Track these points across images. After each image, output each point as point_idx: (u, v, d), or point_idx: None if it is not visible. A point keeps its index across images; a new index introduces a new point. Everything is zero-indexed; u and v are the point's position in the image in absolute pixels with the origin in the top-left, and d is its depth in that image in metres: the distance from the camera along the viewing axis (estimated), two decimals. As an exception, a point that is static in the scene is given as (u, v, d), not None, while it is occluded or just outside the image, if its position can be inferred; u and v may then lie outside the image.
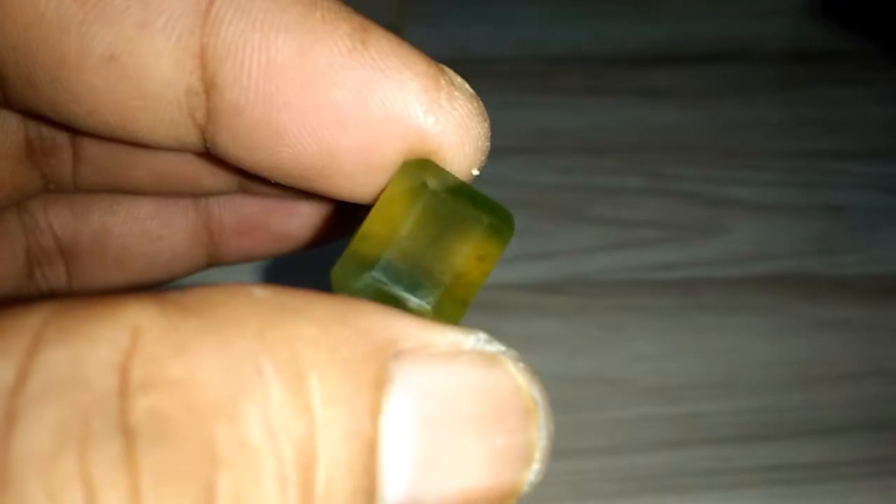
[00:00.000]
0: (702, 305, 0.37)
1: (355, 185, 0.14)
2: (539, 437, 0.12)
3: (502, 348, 0.12)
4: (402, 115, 0.13)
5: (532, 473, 0.12)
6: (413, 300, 0.13)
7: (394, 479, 0.11)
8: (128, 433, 0.09)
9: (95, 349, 0.10)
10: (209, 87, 0.13)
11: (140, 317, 0.10)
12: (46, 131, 0.16)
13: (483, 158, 0.14)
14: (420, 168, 0.13)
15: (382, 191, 0.13)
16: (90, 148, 0.16)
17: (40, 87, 0.13)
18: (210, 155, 0.14)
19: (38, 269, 0.17)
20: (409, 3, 0.48)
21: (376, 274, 0.13)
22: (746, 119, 0.45)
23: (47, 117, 0.14)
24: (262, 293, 0.11)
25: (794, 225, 0.41)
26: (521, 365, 0.12)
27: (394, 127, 0.13)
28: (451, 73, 0.13)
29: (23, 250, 0.17)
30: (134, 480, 0.09)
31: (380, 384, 0.11)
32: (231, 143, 0.14)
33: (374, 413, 0.11)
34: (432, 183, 0.13)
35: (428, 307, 0.13)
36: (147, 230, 0.17)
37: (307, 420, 0.10)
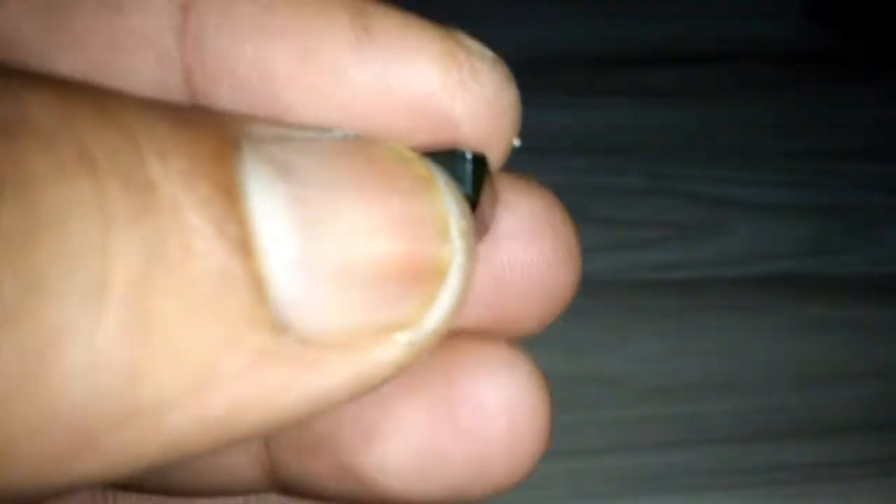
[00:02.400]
0: (702, 305, 0.37)
1: None
2: (449, 208, 0.10)
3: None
4: (428, 105, 0.11)
5: (456, 251, 0.10)
6: None
7: (271, 239, 0.09)
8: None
9: None
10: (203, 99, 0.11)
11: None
12: None
13: (519, 125, 0.12)
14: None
15: None
16: None
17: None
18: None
19: None
20: (409, 3, 0.48)
21: None
22: (746, 119, 0.45)
23: None
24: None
25: (794, 225, 0.41)
26: (403, 146, 0.10)
27: (421, 123, 0.11)
28: (466, 40, 0.12)
29: None
30: None
31: (228, 143, 0.09)
32: None
33: (225, 162, 0.09)
34: None
35: None
36: None
37: (129, 143, 0.08)
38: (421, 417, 0.12)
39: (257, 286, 0.09)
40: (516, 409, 0.13)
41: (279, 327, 0.09)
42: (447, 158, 0.11)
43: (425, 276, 0.09)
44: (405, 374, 0.10)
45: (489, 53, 0.12)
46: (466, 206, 0.10)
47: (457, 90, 0.11)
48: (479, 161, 0.12)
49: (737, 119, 0.45)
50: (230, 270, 0.08)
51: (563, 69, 0.46)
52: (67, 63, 0.11)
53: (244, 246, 0.09)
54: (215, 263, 0.08)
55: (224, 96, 0.11)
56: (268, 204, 0.09)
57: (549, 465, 0.34)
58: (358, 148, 0.10)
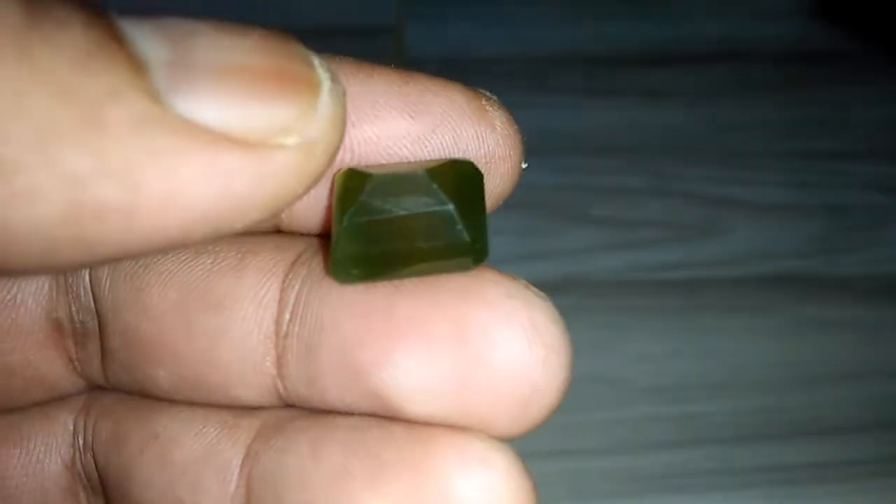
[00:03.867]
0: (702, 305, 0.37)
1: None
2: (308, 53, 0.11)
3: None
4: (458, 120, 0.13)
5: (322, 74, 0.11)
6: (349, 214, 0.13)
7: (139, 35, 0.10)
8: None
9: None
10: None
11: None
12: (77, 316, 0.15)
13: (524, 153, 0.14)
14: (460, 170, 0.13)
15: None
16: (114, 338, 0.15)
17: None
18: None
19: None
20: (409, 3, 0.48)
21: (376, 177, 0.13)
22: (746, 119, 0.45)
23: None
24: None
25: (794, 225, 0.41)
26: None
27: (455, 133, 0.13)
28: (480, 90, 0.14)
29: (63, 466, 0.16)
30: None
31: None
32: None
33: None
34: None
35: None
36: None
37: None
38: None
39: (133, 62, 0.09)
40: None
41: (160, 96, 0.10)
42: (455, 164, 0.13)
43: (297, 86, 0.10)
44: (309, 188, 0.11)
45: (495, 98, 0.14)
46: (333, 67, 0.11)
47: (480, 112, 0.14)
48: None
49: (737, 119, 0.45)
50: (105, 44, 0.09)
51: (563, 69, 0.46)
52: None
53: (117, 39, 0.09)
54: (84, 43, 0.09)
55: None
56: (140, 30, 0.10)
57: (548, 465, 0.33)
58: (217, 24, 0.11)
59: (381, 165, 0.13)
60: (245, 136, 0.10)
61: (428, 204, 0.13)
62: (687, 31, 0.49)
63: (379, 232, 0.13)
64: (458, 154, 0.14)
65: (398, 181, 0.13)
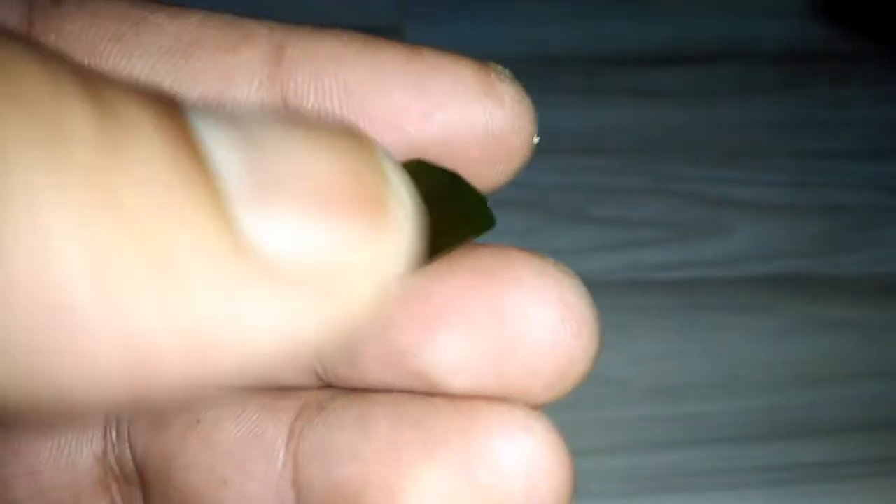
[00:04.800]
0: (702, 305, 0.37)
1: None
2: (385, 163, 0.10)
3: None
4: (466, 97, 0.14)
5: (394, 183, 0.10)
6: None
7: (217, 144, 0.09)
8: None
9: None
10: None
11: None
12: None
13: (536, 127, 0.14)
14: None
15: None
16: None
17: None
18: None
19: None
20: (409, 3, 0.48)
21: None
22: (746, 119, 0.45)
23: None
24: None
25: (794, 225, 0.41)
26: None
27: (463, 110, 0.14)
28: (490, 63, 0.14)
29: None
30: None
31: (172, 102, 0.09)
32: None
33: (170, 104, 0.09)
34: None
35: None
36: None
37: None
38: (439, 473, 0.13)
39: (213, 194, 0.09)
40: (534, 470, 0.13)
41: (242, 241, 0.09)
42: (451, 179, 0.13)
43: (374, 210, 0.10)
44: (375, 320, 0.10)
45: (508, 73, 0.14)
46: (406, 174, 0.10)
47: (489, 87, 0.14)
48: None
49: (737, 119, 0.45)
50: (176, 154, 0.08)
51: (563, 69, 0.46)
52: None
53: (187, 141, 0.09)
54: (160, 146, 0.08)
55: (311, 107, 0.13)
56: (214, 133, 0.09)
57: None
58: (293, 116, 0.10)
59: None
60: (317, 275, 0.09)
61: (439, 181, 0.13)
62: (687, 31, 0.49)
63: None
64: (466, 130, 0.14)
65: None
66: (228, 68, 0.14)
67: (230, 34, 0.14)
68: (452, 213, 0.13)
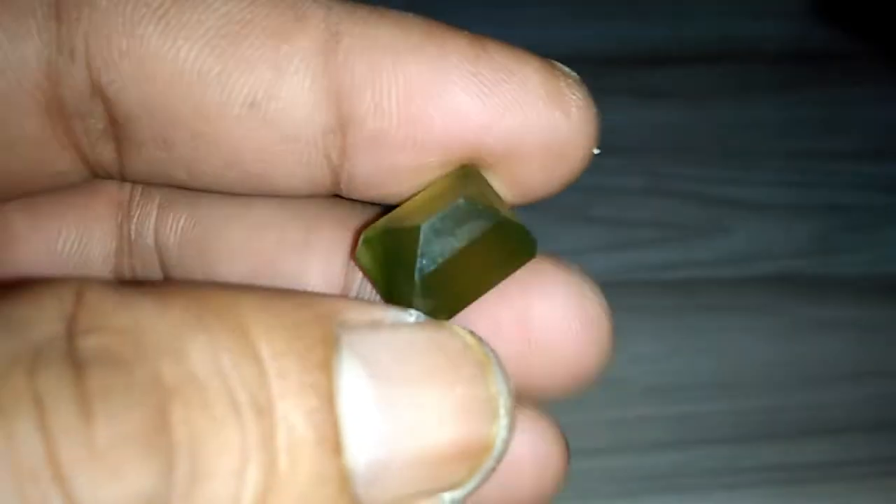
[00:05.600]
0: (702, 305, 0.37)
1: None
2: (500, 389, 0.12)
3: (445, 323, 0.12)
4: (532, 106, 0.13)
5: (501, 428, 0.12)
6: (419, 269, 0.12)
7: (359, 434, 0.11)
8: (76, 362, 0.09)
9: (41, 301, 0.10)
10: (346, 122, 0.13)
11: (82, 282, 0.10)
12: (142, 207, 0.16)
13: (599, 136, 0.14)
14: (467, 175, 0.13)
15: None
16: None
17: (178, 146, 0.13)
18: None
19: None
20: (410, 4, 0.48)
21: (425, 230, 0.12)
22: (746, 119, 0.45)
23: (173, 182, 0.14)
24: (199, 282, 0.11)
25: (794, 225, 0.41)
26: (467, 329, 0.12)
27: (526, 120, 0.13)
28: (558, 64, 0.14)
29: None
30: (84, 394, 0.09)
31: (328, 343, 0.11)
32: (371, 174, 0.14)
33: (327, 368, 0.11)
34: (473, 190, 0.13)
35: (421, 291, 0.13)
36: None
37: (257, 368, 0.10)
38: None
39: (344, 482, 0.11)
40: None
41: None
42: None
43: (477, 453, 0.12)
44: None
45: (575, 75, 0.14)
46: (511, 383, 0.12)
47: (556, 96, 0.14)
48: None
49: (737, 119, 0.45)
50: (326, 472, 0.11)
51: (563, 69, 0.46)
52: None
53: (337, 448, 0.11)
54: (316, 468, 0.10)
55: (365, 108, 0.13)
56: (357, 407, 0.11)
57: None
58: (431, 337, 0.12)
59: (388, 217, 0.13)
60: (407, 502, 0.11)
61: (482, 225, 0.13)
62: (687, 31, 0.49)
63: (448, 273, 0.13)
64: (529, 139, 0.13)
65: (444, 220, 0.13)
66: (281, 59, 0.13)
67: (285, 14, 0.13)
68: (499, 251, 0.13)
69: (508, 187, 0.14)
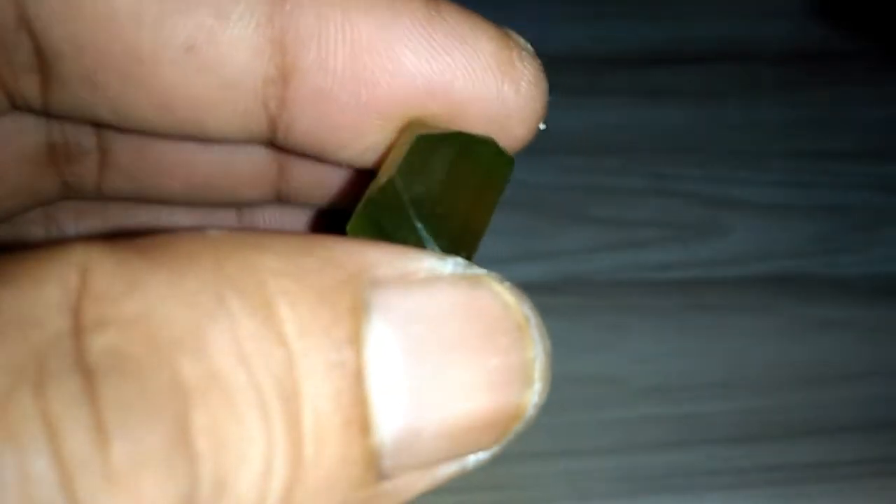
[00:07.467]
0: (702, 305, 0.37)
1: None
2: (535, 354, 0.11)
3: (483, 271, 0.11)
4: (481, 75, 0.13)
5: (534, 394, 0.11)
6: (415, 214, 0.12)
7: (387, 411, 0.10)
8: (86, 371, 0.09)
9: (43, 290, 0.09)
10: (289, 74, 0.13)
11: (86, 256, 0.09)
12: (72, 135, 0.15)
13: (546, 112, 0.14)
14: (413, 124, 0.13)
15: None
16: (122, 154, 0.15)
17: (107, 85, 0.13)
18: (250, 162, 0.14)
19: None
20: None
21: (398, 179, 0.12)
22: (747, 119, 0.45)
23: (99, 121, 0.14)
24: (216, 232, 0.10)
25: (794, 225, 0.41)
26: (506, 284, 0.11)
27: (474, 89, 0.13)
28: (514, 34, 0.14)
29: None
30: (97, 414, 0.09)
31: (357, 312, 0.10)
32: (310, 128, 0.13)
33: (356, 342, 0.10)
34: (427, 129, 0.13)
35: (432, 239, 0.12)
36: None
37: (282, 350, 0.10)
38: None
39: (370, 460, 0.10)
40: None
41: (380, 481, 0.11)
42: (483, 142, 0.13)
43: (508, 421, 0.11)
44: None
45: (530, 48, 0.14)
46: (547, 342, 0.12)
47: (508, 67, 0.13)
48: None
49: (737, 119, 0.45)
50: (352, 454, 0.10)
51: (563, 69, 0.46)
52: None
53: (365, 428, 0.10)
54: (342, 451, 0.10)
55: (309, 60, 0.13)
56: (386, 383, 0.10)
57: (548, 465, 0.33)
58: (468, 300, 0.11)
59: (362, 200, 0.13)
60: (434, 470, 0.11)
61: (450, 151, 0.13)
62: (687, 31, 0.49)
63: (444, 207, 0.12)
64: (475, 109, 0.13)
65: (411, 161, 0.12)
66: (225, 4, 0.12)
67: None
68: (480, 169, 0.13)
69: None
